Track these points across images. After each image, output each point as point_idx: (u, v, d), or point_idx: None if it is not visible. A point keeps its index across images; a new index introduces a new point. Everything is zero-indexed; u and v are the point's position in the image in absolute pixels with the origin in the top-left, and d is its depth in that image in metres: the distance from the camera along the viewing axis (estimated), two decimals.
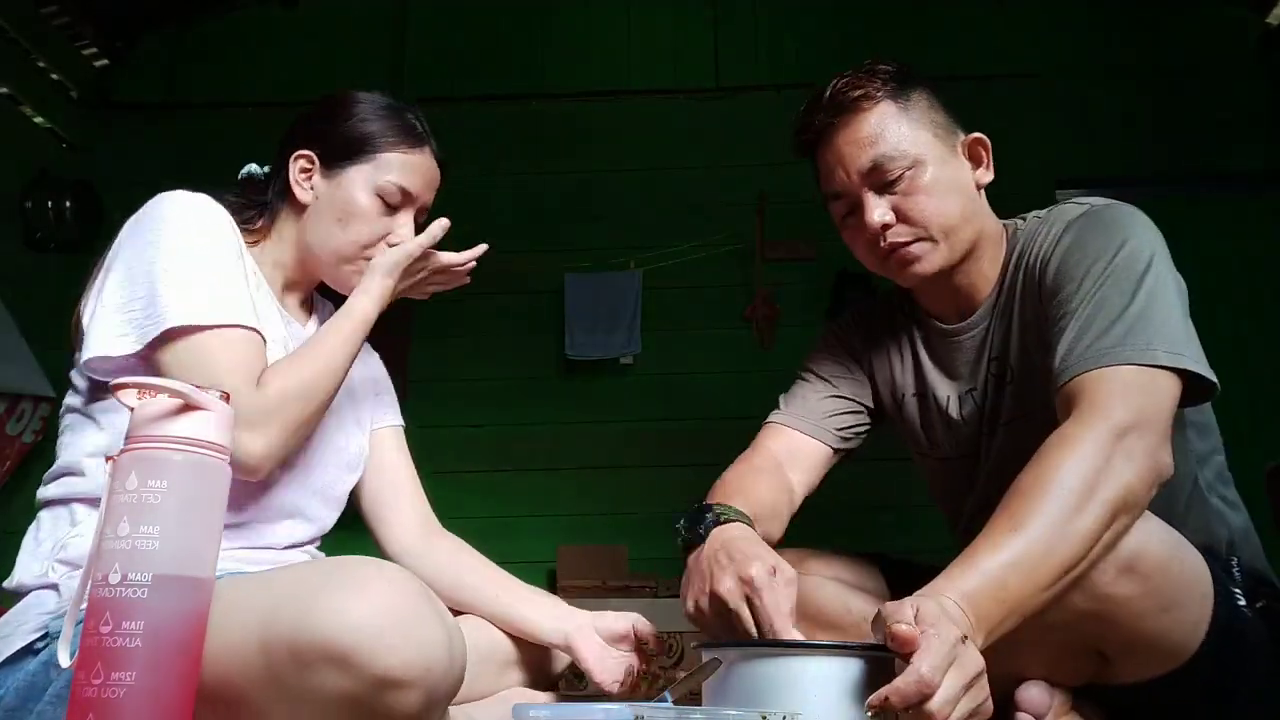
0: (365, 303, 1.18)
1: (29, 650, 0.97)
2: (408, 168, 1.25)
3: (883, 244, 1.24)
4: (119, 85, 4.00)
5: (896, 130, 1.23)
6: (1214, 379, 1.07)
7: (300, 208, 1.26)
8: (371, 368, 1.44)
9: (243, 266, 1.16)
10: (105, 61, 4.00)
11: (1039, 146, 3.76)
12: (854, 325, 1.49)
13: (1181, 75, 3.83)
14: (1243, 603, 1.11)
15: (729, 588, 1.03)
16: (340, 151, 1.24)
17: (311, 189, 1.25)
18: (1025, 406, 1.27)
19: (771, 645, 1.00)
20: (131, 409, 0.79)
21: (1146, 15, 3.93)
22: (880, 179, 1.23)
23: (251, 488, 1.12)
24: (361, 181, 1.23)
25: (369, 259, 1.24)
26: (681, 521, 1.20)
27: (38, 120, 3.74)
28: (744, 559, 1.04)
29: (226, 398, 0.82)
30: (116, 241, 1.12)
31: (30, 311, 3.30)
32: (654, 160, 3.85)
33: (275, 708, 0.84)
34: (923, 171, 1.23)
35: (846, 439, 1.45)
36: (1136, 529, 1.01)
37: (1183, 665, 1.05)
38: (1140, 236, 1.15)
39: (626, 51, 4.03)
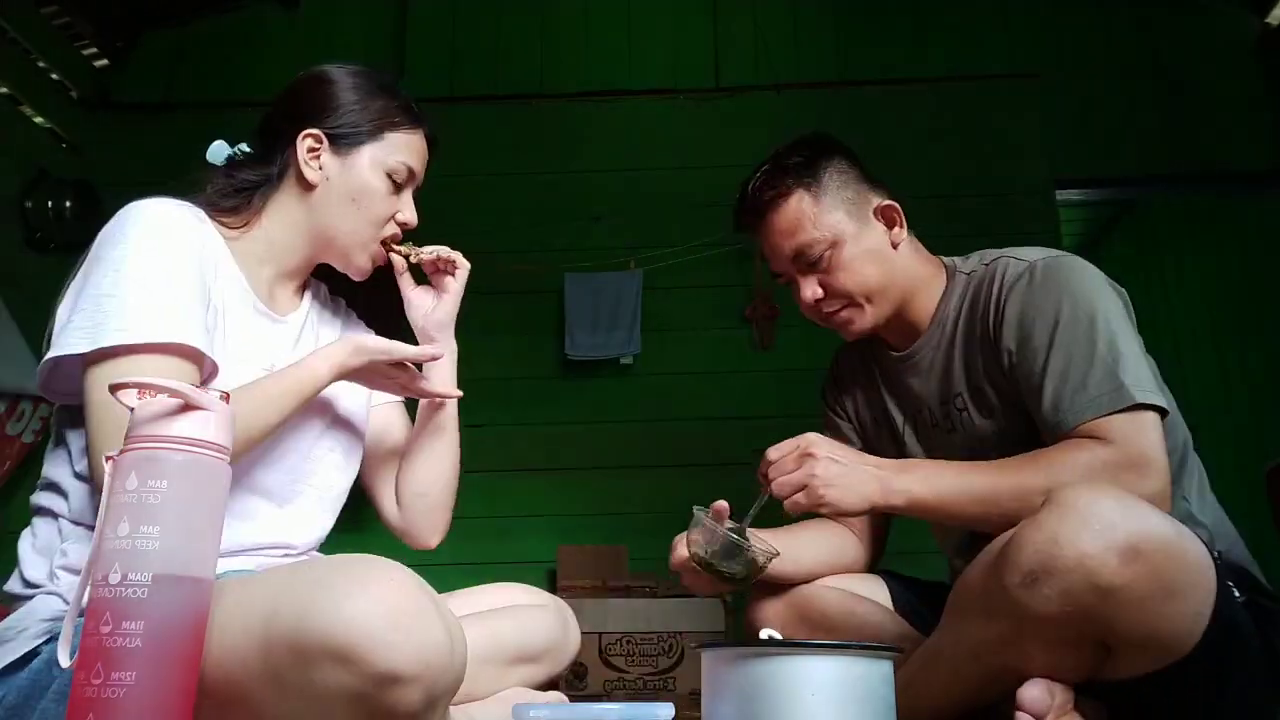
0: (322, 368, 1.14)
1: (33, 653, 0.97)
2: (411, 147, 1.28)
3: (820, 313, 1.46)
4: (119, 85, 4.00)
5: (810, 219, 1.41)
6: (1168, 407, 1.24)
7: (308, 187, 1.24)
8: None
9: (202, 276, 1.11)
10: (105, 61, 4.00)
11: (1039, 146, 3.76)
12: (832, 385, 1.66)
13: (1181, 75, 3.84)
14: (1236, 594, 1.12)
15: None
16: (347, 131, 1.24)
17: (321, 168, 1.24)
18: (996, 441, 1.38)
19: (771, 645, 1.00)
20: (131, 409, 0.79)
21: (1146, 15, 3.93)
22: (804, 261, 1.43)
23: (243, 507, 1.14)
24: (372, 162, 1.25)
25: (382, 236, 1.27)
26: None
27: (38, 120, 3.74)
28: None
29: (226, 398, 0.82)
30: (88, 254, 1.11)
31: (30, 311, 3.30)
32: (654, 160, 3.85)
33: (276, 704, 0.84)
34: (840, 250, 1.41)
35: None
36: (1138, 516, 1.03)
37: (1183, 658, 1.05)
38: (1079, 287, 1.31)
39: (626, 51, 4.04)
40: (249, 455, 1.10)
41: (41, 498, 1.10)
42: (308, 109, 1.26)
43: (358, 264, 1.28)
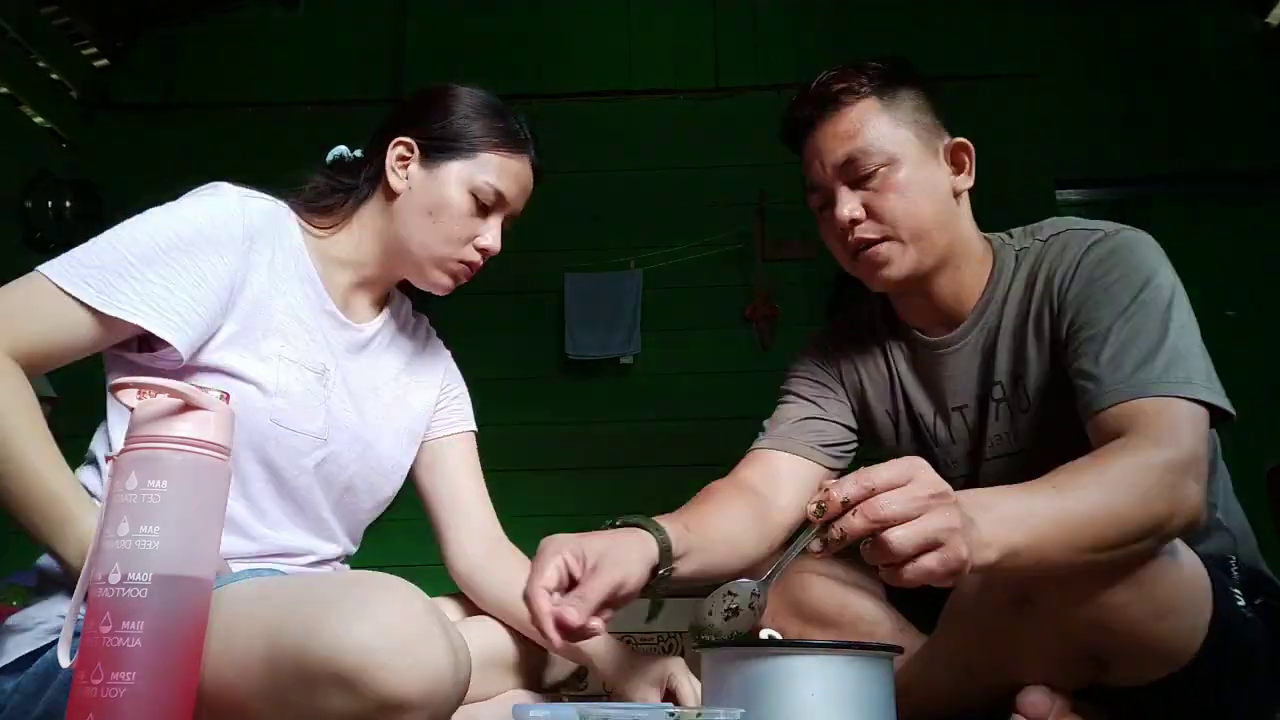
0: (80, 543, 0.91)
1: (46, 646, 0.97)
2: (506, 171, 1.24)
3: (851, 239, 1.24)
4: (119, 85, 4.00)
5: (875, 126, 1.22)
6: (1234, 412, 1.08)
7: (391, 195, 1.22)
8: (438, 373, 1.39)
9: (210, 264, 1.08)
10: (105, 61, 4.00)
11: (1039, 146, 3.76)
12: (832, 340, 1.46)
13: (1181, 75, 3.83)
14: (1242, 602, 1.10)
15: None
16: (441, 144, 1.22)
17: (407, 178, 1.22)
18: (1031, 438, 1.24)
19: (771, 645, 1.00)
20: (131, 409, 0.79)
21: (1146, 15, 3.93)
22: (854, 174, 1.22)
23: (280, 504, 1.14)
24: (458, 178, 1.21)
25: (456, 259, 1.22)
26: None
27: (38, 120, 3.74)
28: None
29: (226, 398, 0.82)
30: None
31: None
32: (654, 160, 3.85)
33: None
34: (897, 170, 1.21)
35: (836, 457, 1.40)
36: None
37: (1183, 668, 1.04)
38: (1160, 269, 1.16)
39: (626, 51, 4.04)
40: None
41: (83, 473, 1.09)
42: (411, 118, 1.24)
43: (431, 280, 1.24)
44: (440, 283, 1.25)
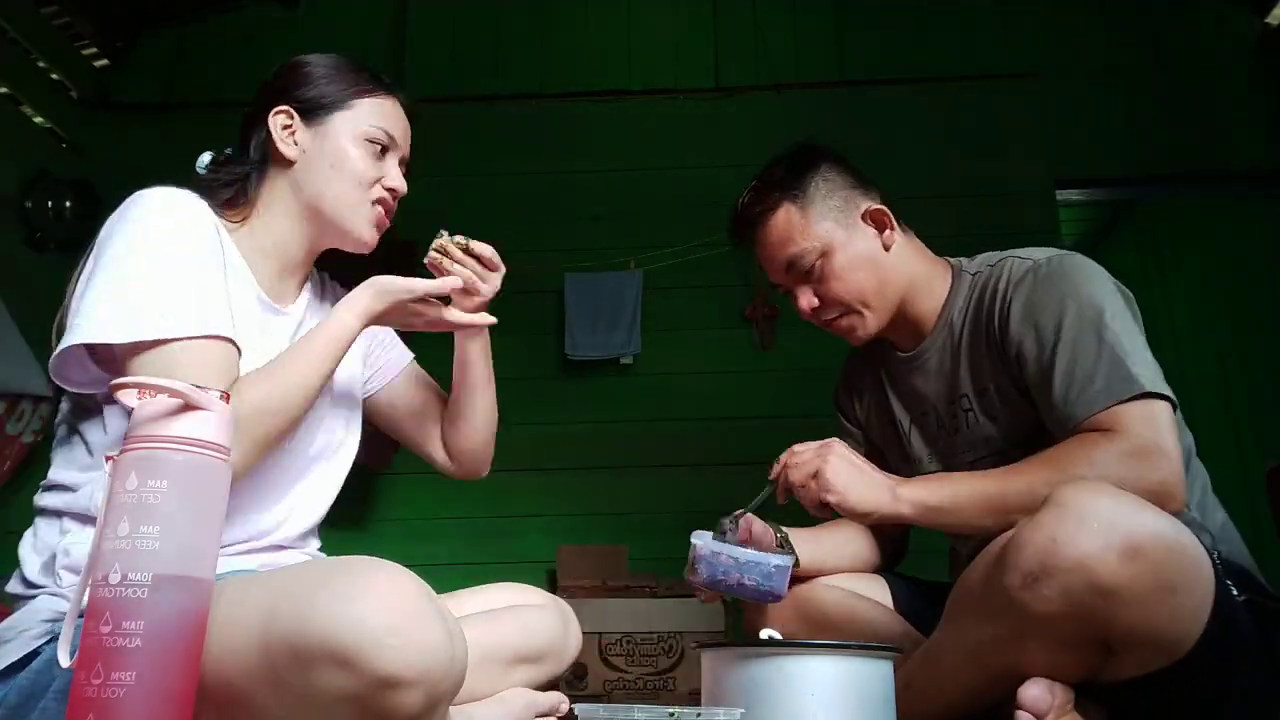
0: (349, 319, 1.16)
1: (33, 653, 0.97)
2: (385, 112, 1.28)
3: (820, 320, 1.48)
4: (119, 85, 4.00)
5: (799, 230, 1.44)
6: (1174, 398, 1.24)
7: (287, 165, 1.24)
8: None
9: (222, 262, 1.12)
10: (105, 61, 4.00)
11: (1039, 146, 3.76)
12: (841, 390, 1.67)
13: (1181, 75, 3.83)
14: (1235, 592, 1.12)
15: None
16: (317, 104, 1.25)
17: (297, 144, 1.24)
18: (1005, 441, 1.39)
19: (771, 645, 1.00)
20: (131, 409, 0.79)
21: (1146, 15, 3.93)
22: (798, 271, 1.45)
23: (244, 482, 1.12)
24: (347, 130, 1.24)
25: (372, 200, 1.26)
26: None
27: (38, 120, 3.74)
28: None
29: (226, 398, 0.82)
30: (96, 243, 1.09)
31: (30, 311, 3.30)
32: (654, 160, 3.85)
33: (276, 706, 0.84)
34: (831, 258, 1.43)
35: None
36: (1136, 514, 1.03)
37: (1184, 657, 1.05)
38: (1088, 287, 1.31)
39: (626, 51, 4.04)
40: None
41: (45, 498, 1.09)
42: (278, 89, 1.27)
43: (356, 233, 1.26)
44: (364, 233, 1.26)
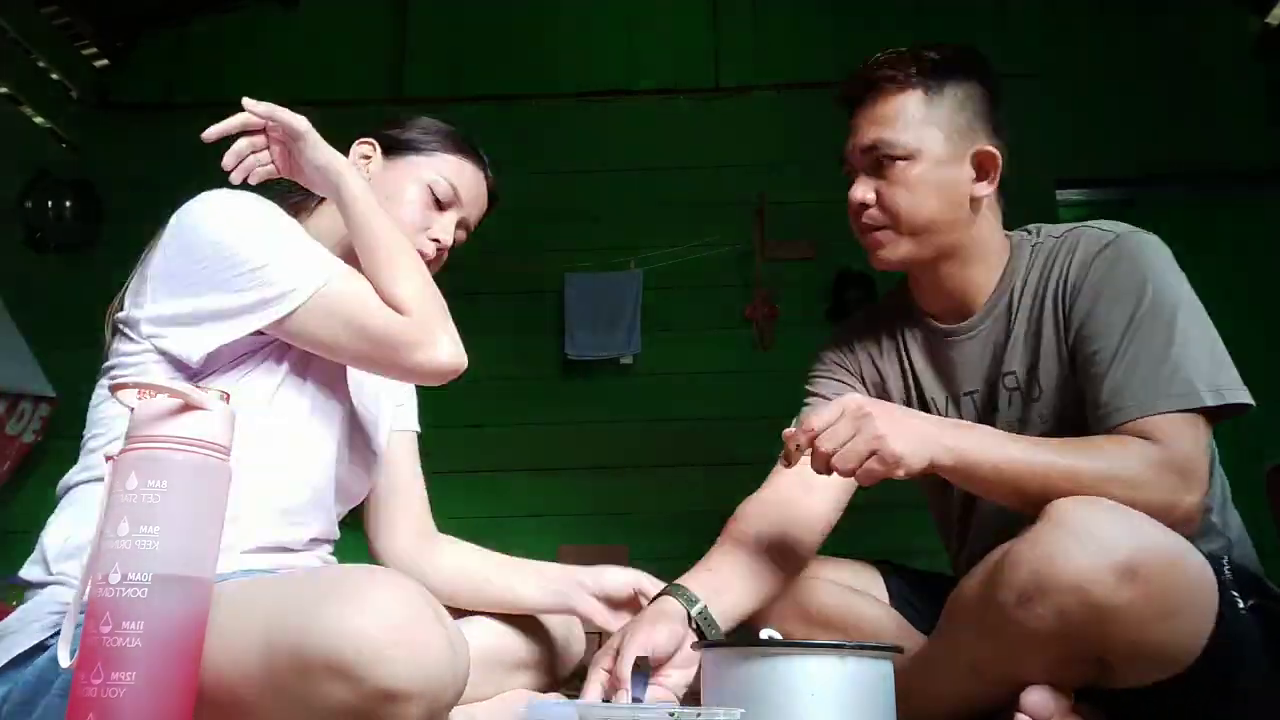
0: (357, 180, 1.17)
1: (40, 647, 0.97)
2: (462, 171, 1.31)
3: (860, 220, 1.33)
4: (119, 85, 4.00)
5: (906, 119, 1.28)
6: (1250, 401, 1.16)
7: None
8: None
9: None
10: (105, 61, 4.00)
11: (1039, 146, 3.76)
12: (847, 334, 1.52)
13: (1181, 75, 3.83)
14: (1240, 604, 1.10)
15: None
16: (401, 144, 1.31)
17: (367, 172, 1.28)
18: (1044, 426, 1.29)
19: (771, 645, 1.00)
20: (131, 409, 0.79)
21: (1146, 15, 3.93)
22: (874, 160, 1.30)
23: (287, 478, 1.13)
24: (414, 173, 1.28)
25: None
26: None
27: (38, 120, 3.74)
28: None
29: (226, 398, 0.82)
30: (164, 243, 1.11)
31: (30, 311, 3.30)
32: (654, 160, 3.85)
33: (277, 715, 0.83)
34: (913, 165, 1.28)
35: None
36: (1136, 533, 1.01)
37: (1184, 670, 1.04)
38: (1165, 275, 1.22)
39: (626, 51, 4.04)
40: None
41: (84, 473, 1.08)
42: (380, 129, 1.34)
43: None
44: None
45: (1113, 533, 1.00)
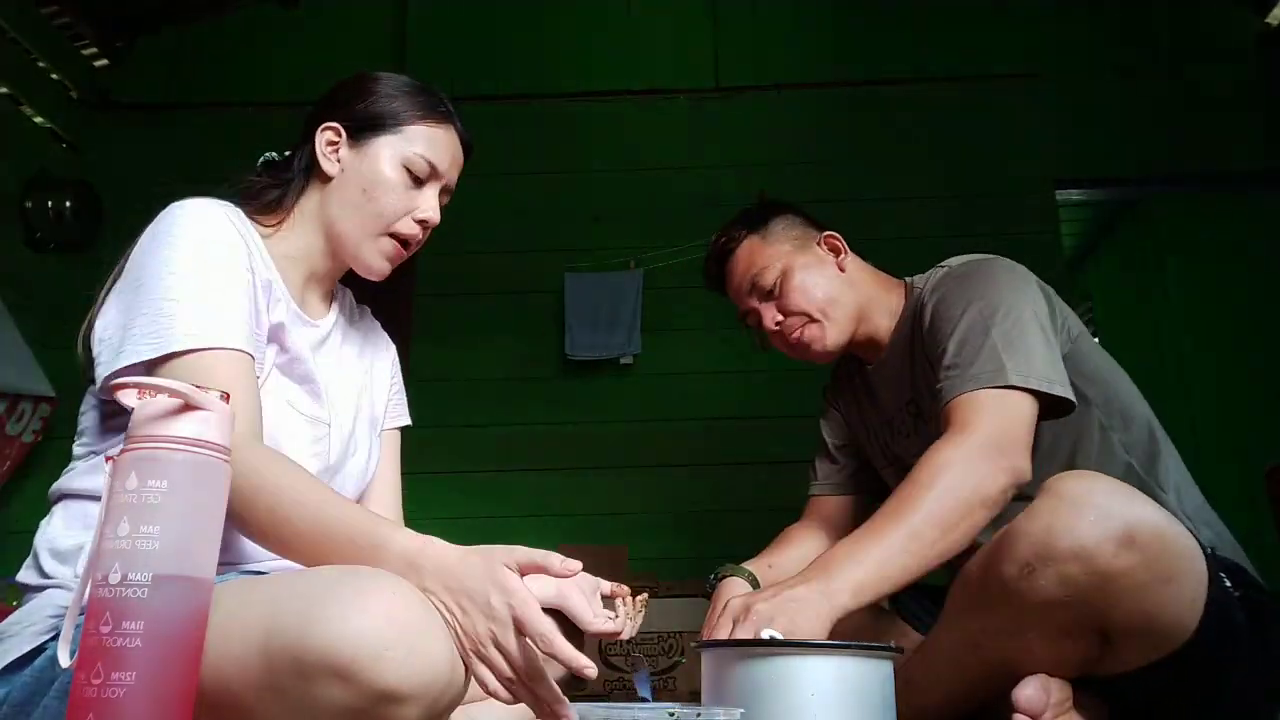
0: (405, 541, 0.93)
1: (37, 650, 0.97)
2: (435, 141, 1.25)
3: (785, 338, 1.58)
4: (119, 85, 4.00)
5: (760, 254, 1.59)
6: (1064, 395, 1.28)
7: (325, 180, 1.24)
8: (386, 363, 1.42)
9: (251, 279, 1.12)
10: (105, 61, 3.99)
11: (1039, 146, 3.76)
12: (832, 383, 1.78)
13: (1181, 75, 3.83)
14: (1229, 584, 1.13)
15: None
16: (367, 123, 1.23)
17: (338, 161, 1.23)
18: (927, 443, 1.43)
19: (769, 644, 1.00)
20: (131, 409, 0.79)
21: (1146, 15, 3.93)
22: (761, 291, 1.59)
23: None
24: (388, 154, 1.22)
25: (393, 234, 1.24)
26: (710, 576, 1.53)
27: (38, 120, 3.74)
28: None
29: (226, 398, 0.82)
30: (131, 256, 1.11)
31: (30, 311, 3.30)
32: (654, 160, 3.85)
33: (275, 717, 0.83)
34: (790, 276, 1.56)
35: (863, 477, 1.70)
36: (1131, 504, 1.05)
37: (1181, 649, 1.06)
38: (989, 284, 1.39)
39: (626, 51, 4.04)
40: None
41: (75, 480, 1.08)
42: (335, 105, 1.26)
43: (366, 261, 1.25)
44: (374, 264, 1.25)
45: (1110, 503, 1.04)
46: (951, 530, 1.16)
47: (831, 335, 1.55)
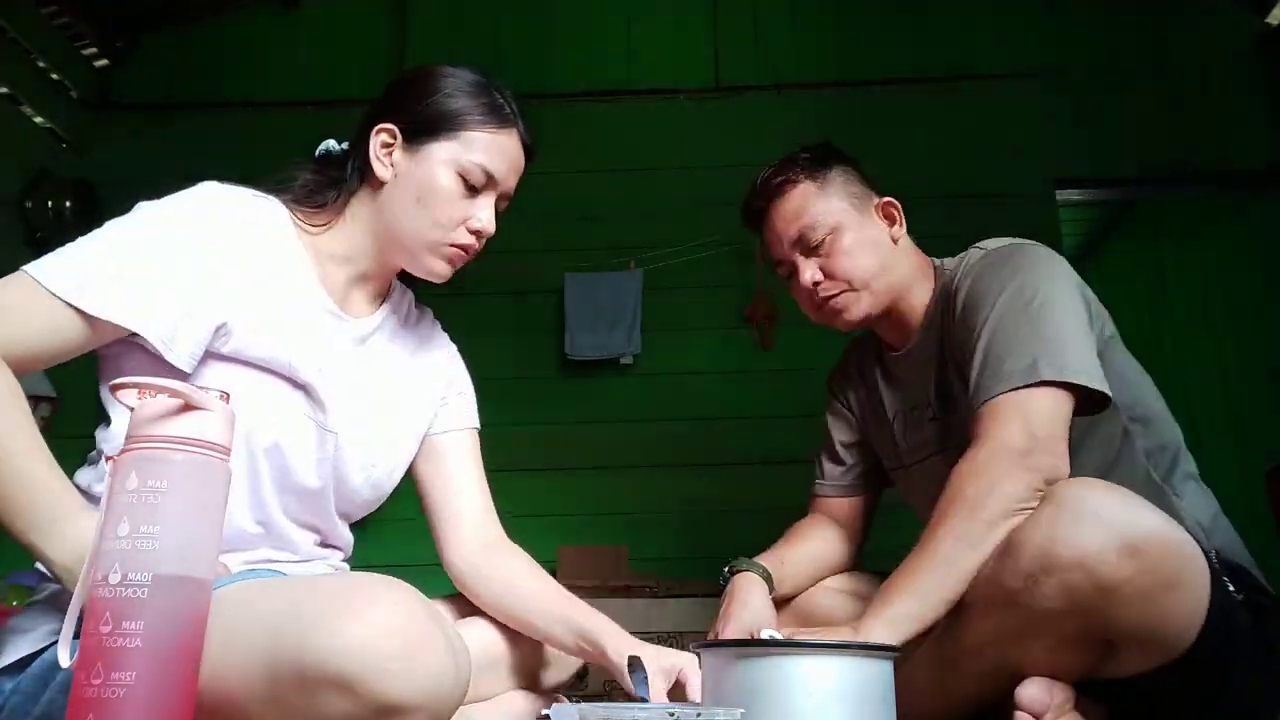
0: (73, 542, 0.89)
1: (43, 649, 0.97)
2: (493, 149, 1.19)
3: (816, 298, 1.47)
4: (119, 85, 4.00)
5: (815, 204, 1.46)
6: (1101, 389, 1.22)
7: (378, 185, 1.18)
8: (441, 366, 1.37)
9: (197, 261, 1.05)
10: (105, 61, 4.00)
11: (1039, 146, 3.76)
12: (838, 373, 1.70)
13: (1181, 75, 3.83)
14: (1231, 588, 1.13)
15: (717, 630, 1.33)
16: (424, 126, 1.17)
17: (392, 165, 1.17)
18: (926, 447, 1.47)
19: (769, 645, 1.00)
20: (131, 409, 0.79)
21: (1147, 15, 3.93)
22: (807, 245, 1.46)
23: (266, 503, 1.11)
24: (444, 159, 1.16)
25: (449, 243, 1.18)
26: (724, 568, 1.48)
27: (38, 120, 3.74)
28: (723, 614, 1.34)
29: (226, 398, 0.82)
30: None
31: None
32: (654, 160, 3.85)
33: None
34: (841, 235, 1.44)
35: (871, 478, 1.65)
36: (1134, 512, 1.05)
37: (1184, 654, 1.06)
38: (1028, 271, 1.32)
39: (626, 51, 4.04)
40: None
41: (86, 475, 1.08)
42: (393, 103, 1.20)
43: (427, 267, 1.20)
44: (436, 269, 1.21)
45: (1112, 512, 1.04)
46: (980, 544, 1.14)
47: (865, 306, 1.45)
